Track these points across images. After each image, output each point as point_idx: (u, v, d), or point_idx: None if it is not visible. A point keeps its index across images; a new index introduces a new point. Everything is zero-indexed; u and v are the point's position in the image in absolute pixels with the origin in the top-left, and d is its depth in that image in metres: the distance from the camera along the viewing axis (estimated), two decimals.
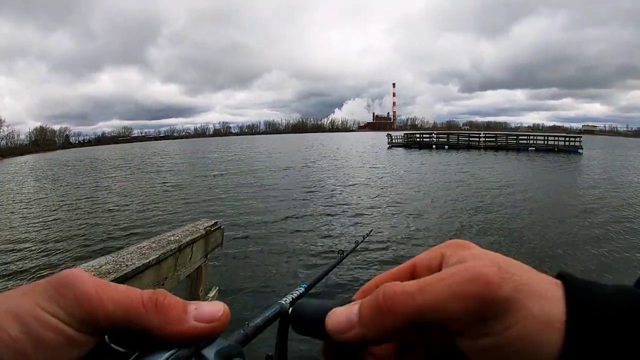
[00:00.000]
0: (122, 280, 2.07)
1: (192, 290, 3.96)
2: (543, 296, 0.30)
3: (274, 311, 0.51)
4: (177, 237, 3.06)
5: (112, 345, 0.31)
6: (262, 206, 14.46)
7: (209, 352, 0.31)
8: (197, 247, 3.41)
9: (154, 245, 2.68)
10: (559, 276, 0.32)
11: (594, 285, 0.31)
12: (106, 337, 0.31)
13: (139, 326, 0.30)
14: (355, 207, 14.00)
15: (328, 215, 12.56)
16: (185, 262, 3.06)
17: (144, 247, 2.61)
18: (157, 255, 2.45)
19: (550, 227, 10.90)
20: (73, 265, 2.19)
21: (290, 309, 0.38)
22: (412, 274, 0.38)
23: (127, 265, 2.20)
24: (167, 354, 0.30)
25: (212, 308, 0.32)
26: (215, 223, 4.37)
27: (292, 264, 8.21)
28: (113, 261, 2.25)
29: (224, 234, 4.72)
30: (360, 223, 11.45)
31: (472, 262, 0.32)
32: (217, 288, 5.27)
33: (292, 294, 0.62)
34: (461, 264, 0.33)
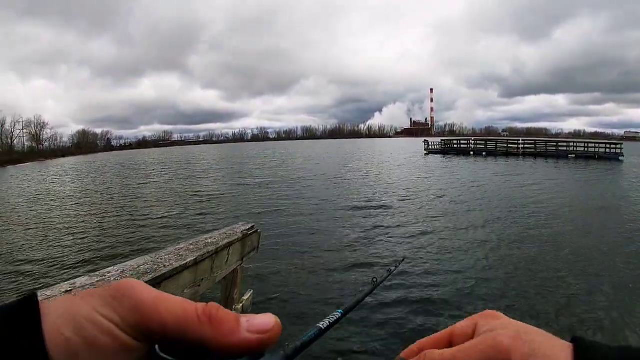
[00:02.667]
0: (159, 280, 2.09)
1: (228, 292, 3.99)
2: (552, 358, 0.34)
3: (312, 334, 0.52)
4: (214, 240, 3.09)
5: (162, 354, 0.32)
6: (300, 214, 14.51)
7: None
8: (234, 250, 3.43)
9: (191, 247, 2.70)
10: (573, 339, 0.35)
11: (602, 347, 0.34)
12: (157, 346, 0.32)
13: (194, 337, 0.31)
14: (389, 223, 13.84)
15: (363, 230, 12.46)
16: (221, 264, 3.08)
17: (181, 248, 2.64)
18: (194, 257, 2.46)
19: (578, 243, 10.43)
20: (109, 265, 2.24)
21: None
22: (450, 341, 0.43)
23: (164, 265, 2.22)
24: None
25: (264, 320, 0.33)
26: (252, 227, 4.39)
27: (324, 277, 8.14)
28: (151, 261, 2.28)
29: (261, 238, 4.77)
30: (397, 243, 11.22)
31: (496, 331, 0.38)
32: (252, 291, 5.30)
33: (329, 319, 0.63)
34: (488, 333, 0.39)
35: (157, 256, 2.39)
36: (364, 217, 13.77)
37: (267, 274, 8.11)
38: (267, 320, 0.33)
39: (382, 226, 12.34)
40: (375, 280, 1.33)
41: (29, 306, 0.29)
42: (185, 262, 2.34)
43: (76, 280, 1.93)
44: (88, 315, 0.30)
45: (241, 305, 4.13)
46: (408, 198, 17.96)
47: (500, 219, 13.20)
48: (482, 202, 16.54)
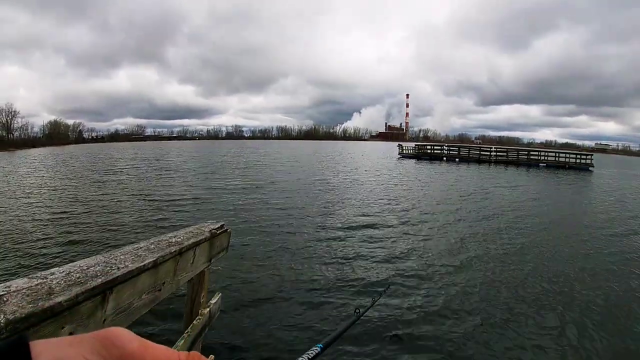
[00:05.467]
0: (111, 285, 1.82)
1: (194, 296, 3.71)
2: None
3: None
4: (179, 239, 2.81)
5: None
6: (277, 217, 14.27)
7: None
8: (201, 251, 3.16)
9: (152, 246, 2.42)
10: None
11: None
12: None
13: None
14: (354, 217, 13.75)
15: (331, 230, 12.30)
16: (186, 266, 2.81)
17: (140, 248, 2.36)
18: (154, 258, 2.19)
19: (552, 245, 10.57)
20: (57, 265, 1.96)
21: None
22: None
23: (118, 267, 1.95)
24: None
25: None
26: (222, 226, 4.11)
27: (300, 276, 7.94)
28: (104, 262, 2.00)
29: (231, 238, 4.50)
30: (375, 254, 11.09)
31: None
32: (220, 295, 5.03)
33: (308, 354, 0.67)
34: None
35: (112, 256, 2.12)
36: (334, 229, 13.60)
37: (239, 276, 7.85)
38: None
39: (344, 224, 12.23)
40: (358, 310, 1.19)
41: (20, 348, 0.30)
42: (143, 263, 2.08)
43: (11, 282, 1.65)
44: None
45: (208, 309, 3.86)
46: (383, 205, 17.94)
47: (463, 220, 13.28)
48: (447, 204, 16.65)
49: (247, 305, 6.58)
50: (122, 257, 2.11)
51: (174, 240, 2.79)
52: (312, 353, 0.59)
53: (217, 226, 3.82)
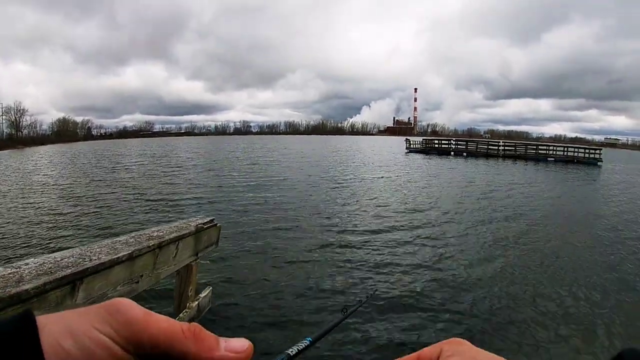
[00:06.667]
0: (80, 276, 1.91)
1: (182, 289, 3.80)
2: None
3: None
4: (161, 234, 2.90)
5: None
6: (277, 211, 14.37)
7: None
8: (185, 245, 3.24)
9: (130, 240, 2.51)
10: None
11: None
12: None
13: (179, 350, 0.35)
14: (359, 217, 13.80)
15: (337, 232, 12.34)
16: (168, 260, 2.89)
17: (118, 241, 2.45)
18: (129, 252, 2.28)
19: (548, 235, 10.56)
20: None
21: None
22: None
23: (90, 259, 2.03)
24: None
25: (239, 342, 0.38)
26: (211, 220, 4.20)
27: (294, 279, 7.99)
28: (78, 255, 2.10)
29: (221, 232, 4.58)
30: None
31: (452, 357, 0.43)
32: (211, 289, 5.12)
33: (297, 346, 0.68)
34: (445, 356, 0.43)
35: (88, 249, 2.20)
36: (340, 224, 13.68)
37: (232, 268, 7.96)
38: (242, 343, 0.38)
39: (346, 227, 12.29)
40: (345, 310, 1.28)
41: (26, 320, 0.31)
42: (116, 256, 2.16)
43: None
44: (86, 330, 0.33)
45: (197, 302, 3.96)
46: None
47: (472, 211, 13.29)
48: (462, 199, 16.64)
49: (245, 298, 6.68)
50: (97, 249, 2.20)
51: (155, 234, 2.87)
52: (301, 345, 0.67)
53: (205, 221, 3.91)
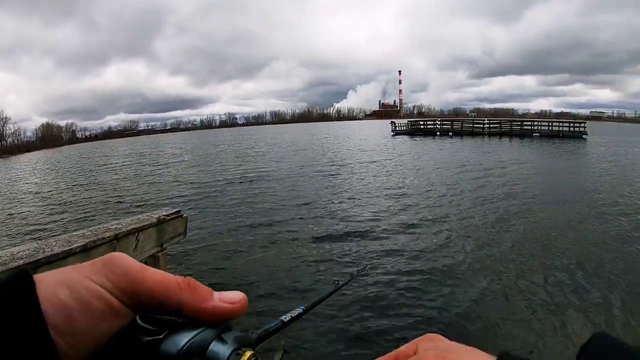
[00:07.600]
0: (34, 266, 2.12)
1: None
2: None
3: (275, 325, 0.60)
4: (120, 226, 3.11)
5: (142, 323, 0.36)
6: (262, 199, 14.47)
7: (229, 336, 0.37)
8: (146, 236, 3.44)
9: (88, 233, 2.72)
10: (498, 355, 0.38)
11: None
12: (137, 316, 0.36)
13: (174, 301, 0.36)
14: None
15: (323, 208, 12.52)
16: (127, 251, 3.10)
17: (75, 234, 2.66)
18: (83, 243, 2.48)
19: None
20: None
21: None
22: None
23: (44, 251, 2.24)
24: (192, 333, 0.36)
25: (233, 294, 0.39)
26: (177, 212, 4.41)
27: (269, 258, 8.26)
28: (35, 248, 2.30)
29: (188, 222, 4.78)
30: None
31: (425, 351, 0.43)
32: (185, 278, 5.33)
33: (291, 313, 0.71)
34: (418, 354, 0.44)
35: (44, 243, 2.41)
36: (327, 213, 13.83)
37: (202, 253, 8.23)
38: (236, 294, 0.39)
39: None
40: (336, 282, 1.44)
41: (22, 274, 0.32)
42: (70, 247, 2.36)
43: None
44: (82, 281, 0.33)
45: None
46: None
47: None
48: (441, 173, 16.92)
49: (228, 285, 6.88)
50: (53, 242, 2.41)
51: (114, 227, 3.09)
52: (295, 312, 0.73)
53: (168, 212, 4.11)
